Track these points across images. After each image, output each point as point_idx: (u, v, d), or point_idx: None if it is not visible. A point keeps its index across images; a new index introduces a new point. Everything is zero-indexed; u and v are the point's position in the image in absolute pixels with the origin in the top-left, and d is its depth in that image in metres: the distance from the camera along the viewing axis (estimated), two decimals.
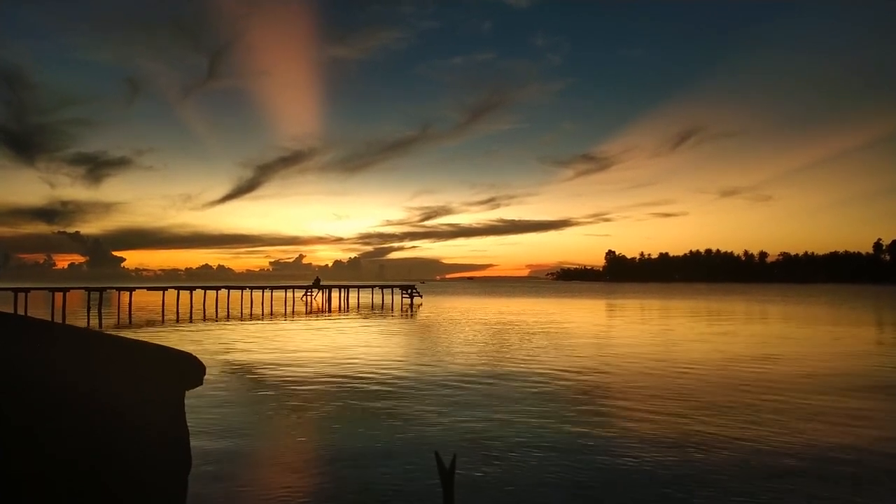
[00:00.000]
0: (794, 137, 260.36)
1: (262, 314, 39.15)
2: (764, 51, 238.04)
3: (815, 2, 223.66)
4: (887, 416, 10.51)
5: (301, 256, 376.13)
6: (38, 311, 31.09)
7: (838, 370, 15.32)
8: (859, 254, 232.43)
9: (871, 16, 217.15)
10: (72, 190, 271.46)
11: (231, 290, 53.30)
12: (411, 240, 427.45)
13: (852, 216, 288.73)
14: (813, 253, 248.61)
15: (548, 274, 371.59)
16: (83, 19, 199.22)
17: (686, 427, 9.31)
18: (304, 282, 66.35)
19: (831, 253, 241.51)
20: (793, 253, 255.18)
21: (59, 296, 35.58)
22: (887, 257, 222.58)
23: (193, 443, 3.28)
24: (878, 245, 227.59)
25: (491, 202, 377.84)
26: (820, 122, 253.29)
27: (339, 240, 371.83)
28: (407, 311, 44.56)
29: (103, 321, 32.77)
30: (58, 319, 29.76)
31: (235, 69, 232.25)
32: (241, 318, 35.04)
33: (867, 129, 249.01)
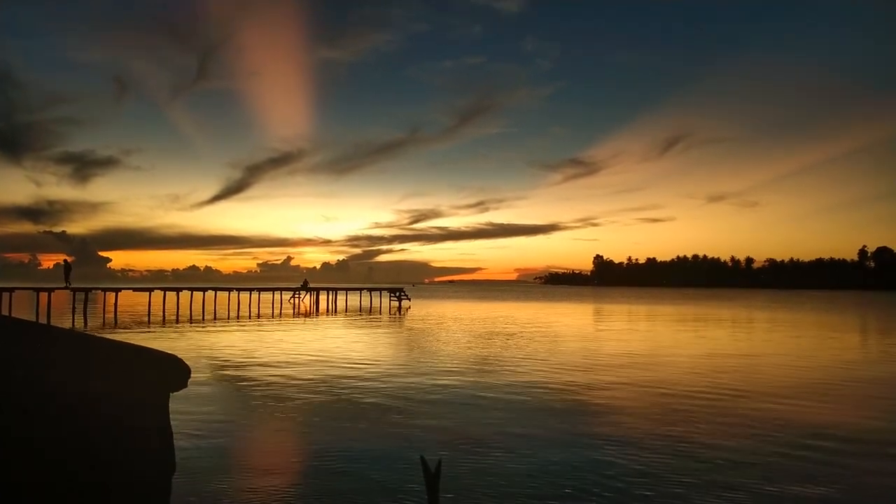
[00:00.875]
0: (780, 144, 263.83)
1: (250, 316, 38.97)
2: (751, 57, 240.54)
3: (801, 10, 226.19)
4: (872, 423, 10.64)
5: (289, 258, 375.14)
6: (23, 312, 30.76)
7: (825, 378, 15.49)
8: (844, 261, 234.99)
9: (859, 23, 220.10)
10: (58, 189, 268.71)
11: (218, 292, 52.98)
12: (400, 242, 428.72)
13: (838, 223, 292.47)
14: (799, 259, 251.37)
15: (536, 278, 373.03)
16: (72, 18, 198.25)
17: (675, 438, 9.39)
18: (291, 284, 66.13)
19: (817, 259, 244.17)
20: (779, 259, 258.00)
21: (43, 296, 35.22)
22: (872, 264, 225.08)
23: (178, 445, 3.29)
24: (863, 252, 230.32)
25: (480, 206, 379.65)
26: (806, 129, 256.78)
27: (327, 242, 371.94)
28: (395, 314, 44.52)
29: (88, 322, 32.50)
30: (42, 320, 29.47)
31: (225, 70, 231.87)
32: (228, 320, 34.85)
33: (853, 135, 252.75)
